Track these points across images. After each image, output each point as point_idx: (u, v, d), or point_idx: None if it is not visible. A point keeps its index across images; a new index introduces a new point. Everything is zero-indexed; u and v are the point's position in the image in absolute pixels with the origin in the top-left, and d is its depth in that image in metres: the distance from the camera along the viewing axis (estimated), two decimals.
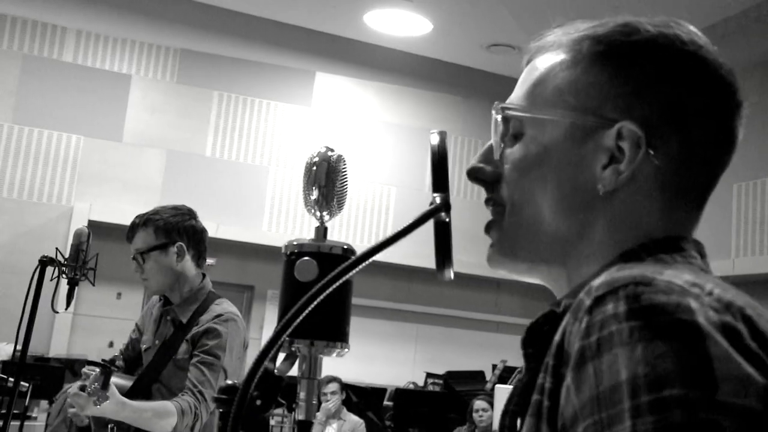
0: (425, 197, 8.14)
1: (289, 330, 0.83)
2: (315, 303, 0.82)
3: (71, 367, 5.69)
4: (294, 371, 1.01)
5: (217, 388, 2.36)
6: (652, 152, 0.71)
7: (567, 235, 0.75)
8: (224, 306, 2.60)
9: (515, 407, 0.73)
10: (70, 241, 2.72)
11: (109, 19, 7.04)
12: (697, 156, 0.73)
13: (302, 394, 0.99)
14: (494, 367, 6.61)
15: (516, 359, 7.03)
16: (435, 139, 0.89)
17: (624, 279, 0.57)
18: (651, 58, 0.73)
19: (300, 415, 0.98)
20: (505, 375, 6.26)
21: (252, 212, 7.17)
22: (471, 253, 7.76)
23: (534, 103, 0.78)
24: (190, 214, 2.66)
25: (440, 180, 0.85)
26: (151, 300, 2.81)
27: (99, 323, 6.72)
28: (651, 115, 0.72)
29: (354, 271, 0.86)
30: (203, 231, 2.68)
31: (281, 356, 1.03)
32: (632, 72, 0.73)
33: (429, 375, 6.90)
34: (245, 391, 0.81)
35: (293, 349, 0.99)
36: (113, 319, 6.63)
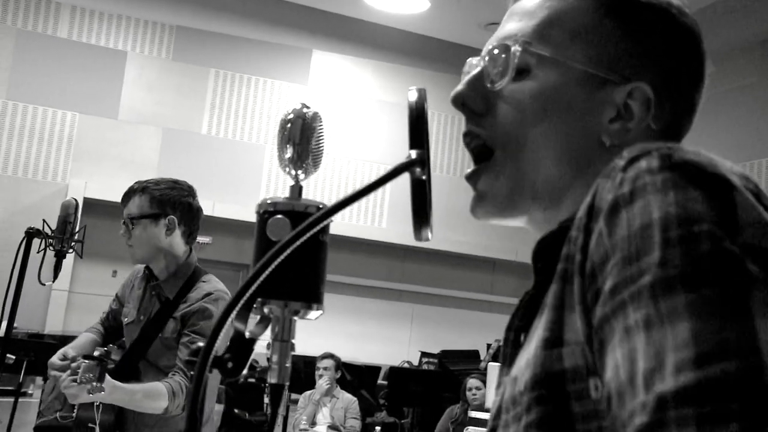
0: None
1: (254, 287, 0.81)
2: (281, 258, 0.80)
3: (66, 344, 5.68)
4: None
5: None
6: (654, 116, 0.74)
7: (569, 183, 0.74)
8: (213, 283, 2.58)
9: (520, 322, 0.74)
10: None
11: None
12: (679, 124, 0.77)
13: (275, 357, 0.97)
14: (488, 346, 6.62)
15: None
16: (413, 96, 0.86)
17: (654, 146, 0.58)
18: (662, 26, 0.75)
19: (272, 379, 0.95)
20: (498, 354, 6.26)
21: (248, 190, 7.15)
22: (467, 233, 7.79)
23: (548, 43, 0.76)
24: (189, 191, 2.64)
25: (417, 136, 0.83)
26: (133, 271, 2.78)
27: (94, 301, 6.71)
28: (657, 79, 0.74)
29: (321, 226, 0.83)
30: (199, 210, 2.66)
31: (255, 319, 1.01)
32: (647, 35, 0.74)
33: (423, 354, 6.90)
34: (209, 347, 0.79)
35: (266, 311, 0.97)
36: (109, 297, 6.57)
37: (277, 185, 7.25)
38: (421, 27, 7.41)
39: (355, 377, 5.87)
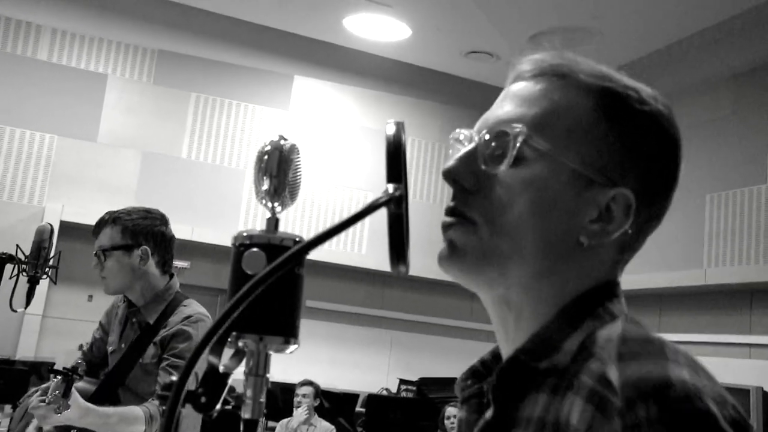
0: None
1: (229, 321, 0.80)
2: (256, 293, 0.79)
3: (37, 371, 5.59)
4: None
5: None
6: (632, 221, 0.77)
7: (537, 269, 0.77)
8: (193, 307, 2.57)
9: None
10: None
11: (85, 18, 6.96)
12: (652, 226, 0.81)
13: (249, 392, 0.96)
14: None
15: None
16: (391, 129, 0.87)
17: (648, 382, 0.61)
18: (652, 134, 0.78)
19: (246, 414, 0.94)
20: None
21: (228, 216, 7.11)
22: None
23: (546, 135, 0.78)
24: (162, 219, 2.63)
25: (395, 169, 0.83)
26: (115, 299, 2.77)
27: (69, 326, 6.62)
28: (640, 187, 0.77)
29: (297, 261, 0.83)
30: (172, 238, 2.65)
31: (228, 353, 0.99)
32: (637, 142, 0.77)
33: (402, 381, 6.86)
34: (181, 382, 0.78)
35: (241, 344, 0.95)
36: (84, 322, 6.52)
37: (257, 211, 7.22)
38: (402, 54, 7.46)
39: (332, 405, 5.82)
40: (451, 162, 0.82)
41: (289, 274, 0.85)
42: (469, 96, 7.93)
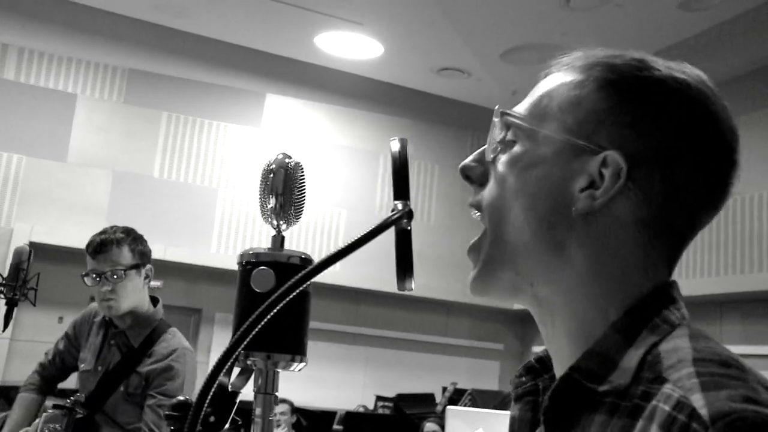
0: (376, 220, 8.06)
1: (245, 342, 0.80)
2: (272, 313, 0.79)
3: (6, 395, 5.48)
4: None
5: None
6: (631, 185, 0.72)
7: (544, 250, 0.75)
8: (177, 338, 2.56)
9: None
10: (9, 261, 2.62)
11: (53, 37, 6.89)
12: (678, 201, 0.74)
13: (258, 410, 0.96)
14: (444, 389, 6.60)
15: (465, 381, 7.03)
16: (396, 146, 0.88)
17: (744, 416, 0.56)
18: (655, 97, 0.74)
19: None
20: (455, 397, 6.25)
21: (200, 234, 7.06)
22: (421, 276, 7.77)
23: (534, 115, 0.78)
24: (144, 238, 2.66)
25: (401, 187, 0.84)
26: (87, 312, 2.73)
27: (38, 348, 6.48)
28: (641, 150, 0.73)
29: (311, 281, 0.83)
30: None
31: (236, 371, 0.99)
32: (634, 106, 0.74)
33: (379, 398, 6.85)
34: (199, 407, 0.78)
35: (249, 363, 0.95)
36: (54, 344, 6.42)
37: (229, 229, 7.18)
38: (375, 72, 7.50)
39: (310, 423, 5.79)
40: (466, 159, 0.84)
41: (297, 293, 0.85)
42: (442, 113, 7.99)
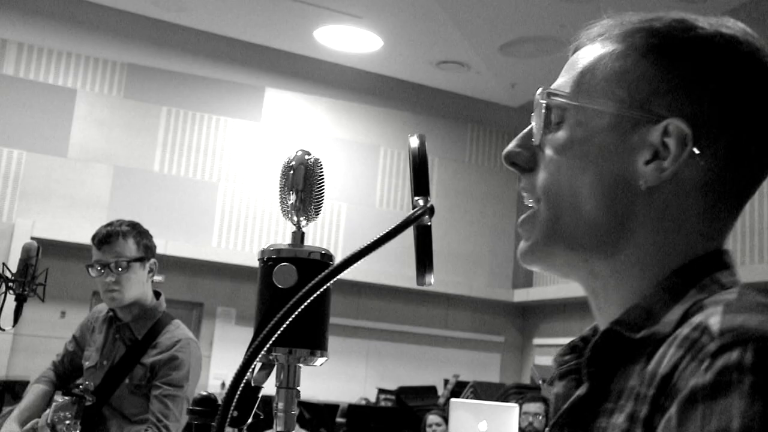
0: (376, 213, 8.20)
1: (274, 338, 0.81)
2: (300, 309, 0.80)
3: (11, 389, 5.49)
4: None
5: (181, 419, 2.32)
6: (698, 152, 0.70)
7: (606, 226, 0.73)
8: (182, 330, 2.58)
9: (565, 420, 0.72)
10: (12, 257, 2.63)
11: (52, 32, 6.89)
12: (744, 160, 0.71)
13: (281, 405, 0.97)
14: (446, 381, 6.62)
15: (467, 374, 7.06)
16: (415, 142, 0.88)
17: (753, 331, 0.55)
18: (706, 57, 0.71)
19: (279, 427, 0.96)
20: (457, 390, 6.27)
21: (201, 229, 7.07)
22: None
23: (581, 91, 0.75)
24: (150, 233, 2.68)
25: (421, 183, 0.85)
26: (93, 312, 2.74)
27: (41, 343, 6.52)
28: (701, 113, 0.70)
29: (337, 276, 0.84)
30: None
31: (257, 365, 1.00)
32: (685, 68, 0.71)
33: (381, 391, 6.88)
34: (227, 404, 0.79)
35: (271, 357, 0.96)
36: (56, 339, 6.42)
37: (230, 223, 7.19)
38: (374, 65, 7.50)
39: (313, 416, 5.82)
40: (509, 145, 0.81)
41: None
42: (441, 105, 7.99)
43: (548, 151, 0.77)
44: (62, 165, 6.73)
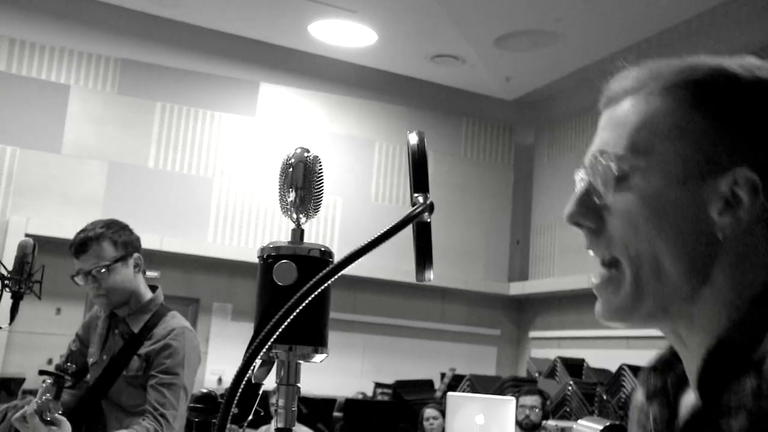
0: (371, 208, 8.20)
1: (275, 335, 0.81)
2: (301, 306, 0.80)
3: (6, 387, 5.49)
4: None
5: (179, 407, 2.32)
6: (765, 198, 0.72)
7: (688, 282, 0.74)
8: (177, 320, 2.58)
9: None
10: (6, 254, 2.62)
11: (45, 28, 6.86)
12: None
13: (281, 401, 0.97)
14: (442, 375, 6.64)
15: (463, 367, 7.07)
16: (414, 139, 0.88)
17: None
18: (754, 104, 0.74)
19: (279, 423, 0.96)
20: (453, 383, 6.29)
21: (197, 224, 7.07)
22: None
23: (641, 150, 0.77)
24: (129, 227, 2.67)
25: (421, 180, 0.85)
26: (94, 310, 2.74)
27: (37, 340, 6.51)
28: (762, 160, 0.72)
29: (339, 274, 0.84)
30: None
31: (257, 362, 1.00)
32: (739, 118, 0.73)
33: (378, 385, 6.89)
34: (229, 401, 0.79)
35: (271, 354, 0.96)
36: (52, 336, 6.43)
37: (226, 219, 7.18)
38: (369, 60, 7.49)
39: (310, 410, 5.83)
40: (569, 206, 0.81)
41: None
42: (436, 99, 7.99)
43: (619, 213, 0.77)
44: (56, 161, 6.71)
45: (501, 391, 5.65)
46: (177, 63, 7.18)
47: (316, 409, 5.95)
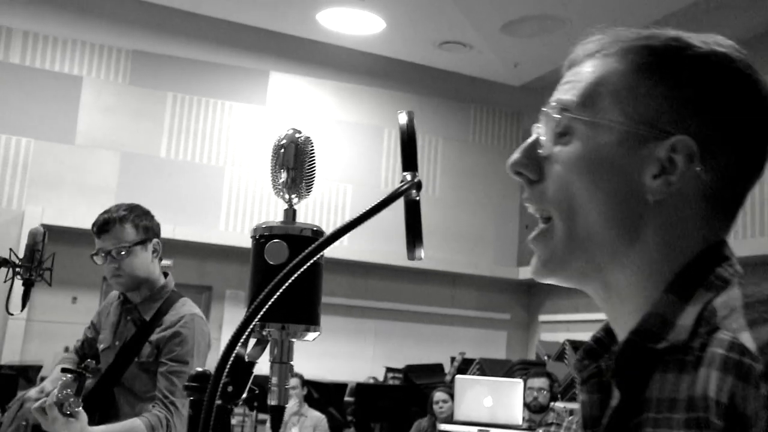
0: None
1: (261, 312, 0.83)
2: (286, 284, 0.82)
3: (24, 374, 5.58)
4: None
5: None
6: (702, 167, 0.74)
7: (618, 238, 0.76)
8: (188, 307, 2.60)
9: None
10: (22, 244, 2.66)
11: (57, 20, 6.92)
12: (742, 171, 0.76)
13: (274, 379, 0.95)
14: (452, 359, 6.68)
15: (473, 351, 7.10)
16: (403, 119, 0.90)
17: None
18: (705, 75, 0.75)
19: (272, 401, 0.93)
20: (463, 367, 6.33)
21: (208, 212, 7.13)
22: (427, 248, 7.83)
23: (588, 106, 0.78)
24: (151, 213, 2.68)
25: (410, 159, 0.86)
26: (108, 298, 2.78)
27: (54, 328, 6.61)
28: (704, 130, 0.74)
29: (323, 251, 0.86)
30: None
31: (252, 342, 1.02)
32: (687, 86, 0.75)
33: (389, 369, 6.94)
34: (218, 377, 0.80)
35: (264, 333, 0.97)
36: (69, 324, 6.52)
37: (237, 207, 7.24)
38: (377, 47, 7.50)
39: (322, 395, 5.88)
40: (514, 155, 0.82)
41: (310, 264, 0.87)
42: (444, 86, 7.99)
43: (558, 164, 0.79)
44: (70, 152, 6.79)
45: (510, 374, 5.69)
46: (188, 53, 7.22)
47: (327, 393, 6.01)
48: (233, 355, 0.81)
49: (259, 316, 0.83)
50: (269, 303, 0.83)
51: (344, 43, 7.48)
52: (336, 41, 7.45)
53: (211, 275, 7.19)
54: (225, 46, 7.34)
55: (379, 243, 6.87)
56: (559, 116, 0.79)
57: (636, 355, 0.71)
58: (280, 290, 0.83)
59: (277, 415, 0.95)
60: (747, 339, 0.62)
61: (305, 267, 0.84)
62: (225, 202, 7.21)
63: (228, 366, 0.82)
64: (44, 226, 6.13)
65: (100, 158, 6.87)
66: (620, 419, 0.73)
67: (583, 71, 0.81)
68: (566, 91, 0.81)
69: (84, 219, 6.34)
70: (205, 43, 7.29)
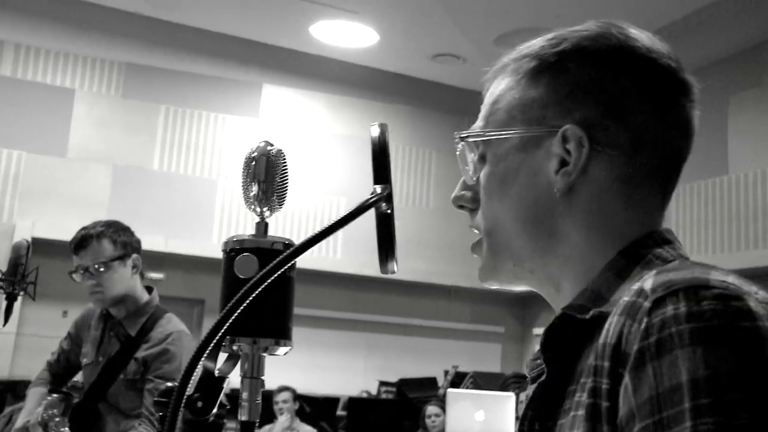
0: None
1: (226, 326, 0.82)
2: (251, 297, 0.81)
3: (13, 389, 5.53)
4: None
5: None
6: (598, 148, 0.74)
7: (535, 239, 0.78)
8: (174, 323, 2.59)
9: (535, 411, 0.73)
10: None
11: (49, 32, 6.91)
12: (648, 142, 0.75)
13: (245, 394, 0.96)
14: (446, 373, 6.65)
15: (467, 365, 7.08)
16: (375, 131, 0.90)
17: (681, 281, 0.58)
18: (579, 61, 0.77)
19: (243, 416, 0.93)
20: (456, 381, 6.29)
21: (201, 226, 7.10)
22: (420, 261, 7.84)
23: (488, 125, 0.82)
24: (131, 229, 2.68)
25: (381, 171, 0.86)
26: (87, 309, 2.76)
27: (44, 343, 6.54)
28: (590, 113, 0.75)
29: (289, 264, 0.85)
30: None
31: (223, 357, 1.01)
32: (564, 78, 0.77)
33: (382, 383, 6.90)
34: (182, 389, 0.80)
35: (235, 348, 0.97)
36: (59, 338, 6.46)
37: (230, 220, 7.21)
38: (370, 60, 7.51)
39: (313, 409, 5.85)
40: (455, 190, 0.87)
41: (280, 277, 0.87)
42: (437, 99, 8.00)
43: (480, 187, 0.83)
44: (62, 165, 6.76)
45: (504, 388, 5.65)
46: (181, 66, 7.22)
47: (319, 408, 5.97)
48: (200, 369, 0.80)
49: (225, 330, 0.82)
50: (234, 316, 0.83)
51: (338, 55, 7.48)
52: (329, 54, 7.46)
53: (203, 288, 7.15)
54: (218, 58, 7.34)
55: (371, 256, 6.83)
56: (462, 143, 0.83)
57: (564, 327, 0.71)
58: (245, 303, 0.82)
59: (248, 430, 0.95)
60: (648, 283, 0.60)
61: (272, 280, 0.84)
62: (218, 215, 7.19)
63: (192, 379, 0.81)
64: (35, 239, 6.14)
65: (93, 171, 6.84)
66: (546, 393, 0.71)
67: (488, 94, 0.85)
68: (479, 119, 0.85)
69: (75, 232, 6.35)
70: (198, 56, 7.28)
